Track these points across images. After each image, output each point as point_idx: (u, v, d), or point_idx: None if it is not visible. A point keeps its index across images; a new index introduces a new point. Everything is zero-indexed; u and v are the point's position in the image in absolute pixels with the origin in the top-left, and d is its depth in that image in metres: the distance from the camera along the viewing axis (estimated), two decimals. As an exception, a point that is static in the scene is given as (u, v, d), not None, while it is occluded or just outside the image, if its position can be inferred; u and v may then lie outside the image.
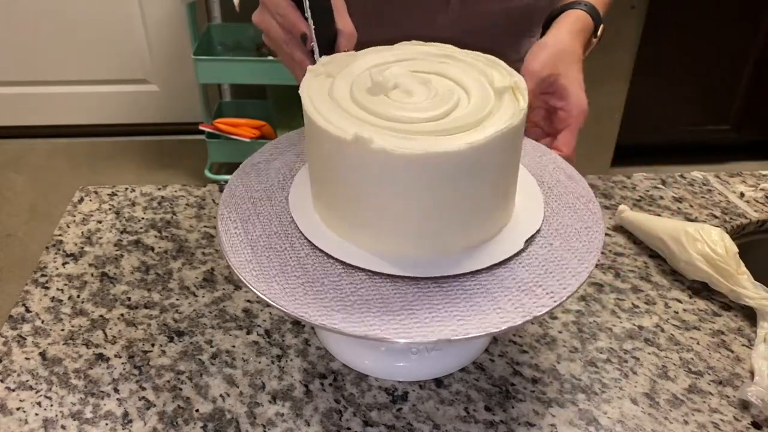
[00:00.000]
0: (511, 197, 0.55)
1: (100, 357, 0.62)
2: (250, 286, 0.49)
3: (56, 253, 0.74)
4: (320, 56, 0.57)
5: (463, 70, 0.55)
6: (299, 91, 0.52)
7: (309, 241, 0.53)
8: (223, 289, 0.70)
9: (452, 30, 0.82)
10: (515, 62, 0.68)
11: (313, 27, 0.56)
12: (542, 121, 0.70)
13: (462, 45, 0.58)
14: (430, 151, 0.46)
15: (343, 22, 0.59)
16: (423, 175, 0.47)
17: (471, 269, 0.50)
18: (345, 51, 0.58)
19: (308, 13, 0.56)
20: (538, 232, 0.54)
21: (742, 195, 0.87)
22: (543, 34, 0.73)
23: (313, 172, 0.54)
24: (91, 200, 0.83)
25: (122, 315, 0.67)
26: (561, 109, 0.68)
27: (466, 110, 0.50)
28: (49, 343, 0.63)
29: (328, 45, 0.58)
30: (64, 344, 0.63)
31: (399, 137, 0.47)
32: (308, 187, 0.57)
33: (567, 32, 0.70)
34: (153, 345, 0.63)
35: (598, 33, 0.74)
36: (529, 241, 0.53)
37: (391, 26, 0.78)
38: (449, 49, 0.58)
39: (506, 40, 0.81)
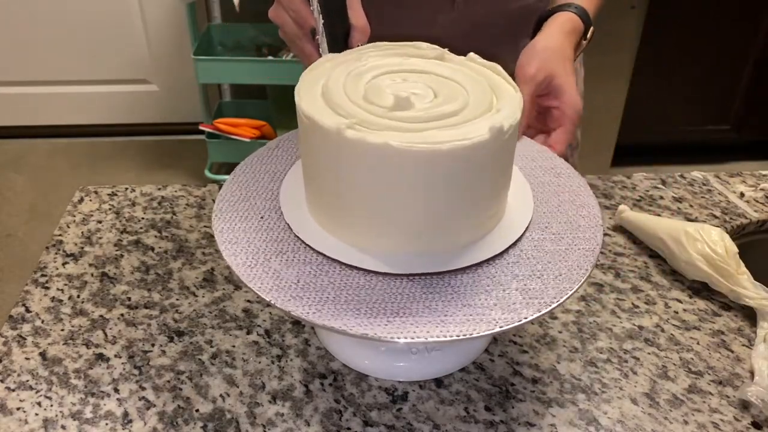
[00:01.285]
0: (507, 189, 0.55)
1: (100, 357, 0.62)
2: (250, 286, 0.49)
3: (56, 253, 0.74)
4: (329, 50, 0.57)
5: (416, 60, 0.56)
6: (295, 94, 0.52)
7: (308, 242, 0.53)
8: (223, 289, 0.70)
9: (452, 30, 0.82)
10: (513, 62, 0.68)
11: (322, 21, 0.56)
12: (534, 120, 0.71)
13: (461, 45, 0.58)
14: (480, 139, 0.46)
15: (357, 16, 0.59)
16: (447, 167, 0.47)
17: (470, 263, 0.50)
18: (358, 45, 0.58)
19: (314, 6, 0.56)
20: (529, 226, 0.55)
21: (742, 195, 0.87)
22: (533, 35, 0.73)
23: (314, 176, 0.54)
24: (91, 200, 0.83)
25: (122, 315, 0.67)
26: (555, 108, 0.68)
27: (473, 98, 0.51)
28: (49, 343, 0.63)
29: (342, 40, 0.58)
30: (64, 344, 0.63)
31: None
32: (302, 188, 0.56)
33: (558, 34, 0.71)
34: (153, 345, 0.63)
35: (588, 35, 0.74)
36: (524, 235, 0.54)
37: (391, 26, 0.78)
38: (369, 46, 0.58)
39: (505, 40, 0.81)
